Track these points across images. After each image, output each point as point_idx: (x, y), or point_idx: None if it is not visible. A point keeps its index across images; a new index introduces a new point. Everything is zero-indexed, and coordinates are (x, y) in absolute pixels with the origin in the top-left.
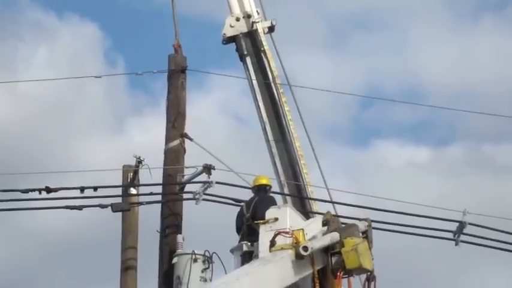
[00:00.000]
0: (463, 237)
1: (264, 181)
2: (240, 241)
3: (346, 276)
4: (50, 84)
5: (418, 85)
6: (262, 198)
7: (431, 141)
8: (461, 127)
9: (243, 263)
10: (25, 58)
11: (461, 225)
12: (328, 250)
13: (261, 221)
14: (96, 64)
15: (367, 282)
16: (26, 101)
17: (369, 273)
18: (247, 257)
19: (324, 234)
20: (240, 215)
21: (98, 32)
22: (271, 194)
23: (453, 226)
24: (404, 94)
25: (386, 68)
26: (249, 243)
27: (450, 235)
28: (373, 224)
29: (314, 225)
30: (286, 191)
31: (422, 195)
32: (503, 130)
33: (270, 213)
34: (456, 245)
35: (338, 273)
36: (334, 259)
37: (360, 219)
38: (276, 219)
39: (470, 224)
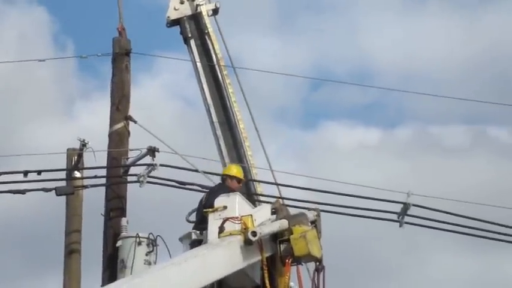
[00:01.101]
0: (407, 219)
1: (225, 171)
2: (193, 229)
3: (295, 264)
4: None
5: (368, 67)
6: (216, 187)
7: (380, 123)
8: (410, 109)
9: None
10: None
11: (405, 206)
12: (277, 238)
13: (210, 209)
14: (45, 48)
15: (316, 273)
16: None
17: (317, 263)
18: (196, 245)
19: (273, 221)
20: (199, 204)
21: (46, 16)
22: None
23: (398, 208)
24: (354, 76)
25: (336, 49)
26: (198, 232)
27: (395, 217)
28: (320, 207)
29: (263, 213)
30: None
31: (372, 176)
32: (450, 112)
33: (218, 201)
34: (400, 226)
35: (287, 261)
36: (282, 246)
37: (309, 209)
38: (225, 207)
39: (414, 205)
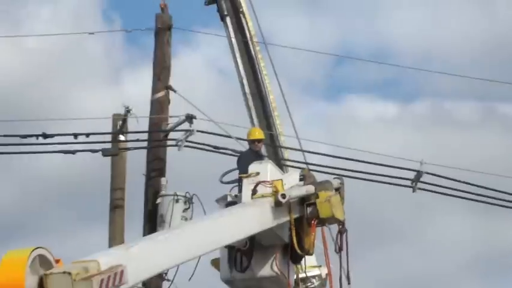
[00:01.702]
0: (420, 185)
1: (249, 136)
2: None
3: (320, 225)
4: (52, 39)
5: (388, 46)
6: (243, 153)
7: (398, 98)
8: (426, 86)
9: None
10: (31, 15)
11: (419, 174)
12: (304, 201)
13: (244, 175)
14: (95, 22)
15: (339, 235)
16: (30, 54)
17: (340, 226)
18: (231, 206)
19: (301, 186)
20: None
21: None
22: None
23: (412, 175)
24: (375, 54)
25: (359, 29)
26: (233, 194)
27: (409, 183)
28: (341, 172)
29: (292, 178)
30: None
31: (389, 146)
32: (463, 90)
33: (252, 168)
34: (414, 191)
35: (313, 222)
36: (309, 209)
37: (334, 177)
38: (258, 173)
39: (426, 173)
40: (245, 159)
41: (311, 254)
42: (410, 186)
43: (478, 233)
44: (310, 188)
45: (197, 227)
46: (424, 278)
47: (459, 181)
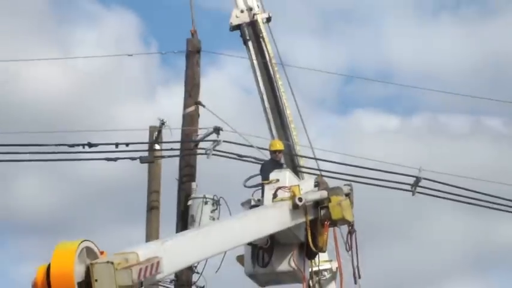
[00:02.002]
0: (418, 189)
1: (271, 147)
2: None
3: (332, 226)
4: (97, 61)
5: (390, 67)
6: (265, 162)
7: (399, 112)
8: (423, 101)
9: None
10: (79, 40)
11: (417, 179)
12: (318, 205)
13: (266, 181)
14: (135, 45)
15: (349, 235)
16: (78, 74)
17: (350, 226)
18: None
19: (316, 192)
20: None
21: (135, 19)
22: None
23: (412, 180)
24: (379, 74)
25: (365, 52)
26: (256, 199)
27: (409, 187)
28: (349, 178)
29: (308, 184)
30: None
31: (391, 155)
32: (455, 105)
33: (272, 175)
34: (413, 195)
35: (326, 223)
36: (322, 212)
37: (344, 184)
38: (278, 180)
39: (424, 178)
40: (267, 168)
41: (324, 251)
42: (410, 191)
43: (470, 231)
44: (324, 193)
45: (224, 225)
46: (421, 271)
47: (453, 186)
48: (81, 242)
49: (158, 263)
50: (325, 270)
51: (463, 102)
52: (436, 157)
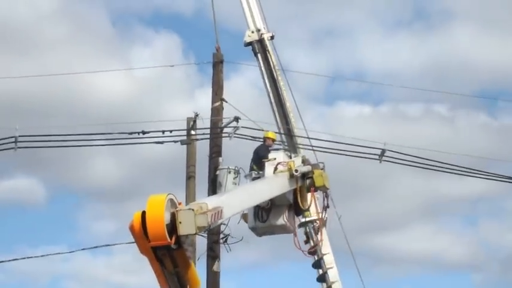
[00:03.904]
0: (384, 158)
1: (266, 135)
2: (250, 170)
3: (315, 191)
4: (150, 70)
5: (363, 69)
6: (259, 146)
7: (370, 102)
8: (388, 94)
9: None
10: (137, 54)
11: (383, 151)
12: (304, 176)
13: (266, 160)
14: (178, 57)
15: (325, 196)
16: (136, 80)
17: (327, 190)
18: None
19: (304, 166)
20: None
21: (178, 38)
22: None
23: (379, 151)
24: (355, 74)
25: (344, 59)
26: (256, 172)
27: (377, 157)
28: (334, 151)
29: (297, 161)
30: (281, 131)
31: (366, 133)
32: (412, 96)
33: (271, 155)
34: (380, 162)
35: (312, 188)
36: (308, 181)
37: (318, 162)
38: (275, 158)
39: (388, 150)
40: (262, 150)
41: (307, 210)
42: (378, 159)
43: (423, 188)
44: (309, 167)
45: (244, 188)
46: (388, 219)
47: (410, 155)
48: (167, 195)
49: (221, 211)
50: (317, 219)
51: (417, 94)
52: (399, 135)
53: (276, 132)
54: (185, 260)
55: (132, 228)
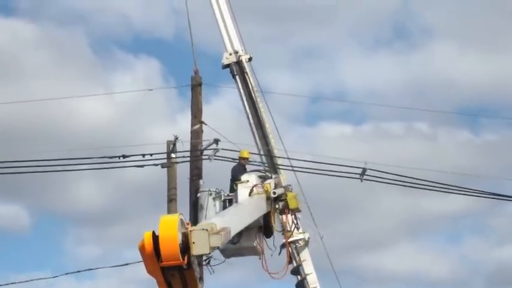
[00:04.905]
0: (366, 177)
1: (240, 155)
2: (230, 191)
3: (289, 213)
4: (130, 95)
5: (343, 89)
6: (234, 166)
7: (352, 121)
8: (369, 113)
9: (224, 205)
10: (119, 79)
11: (364, 170)
12: (277, 198)
13: (239, 181)
14: (157, 82)
15: (295, 219)
16: (117, 105)
17: (299, 212)
18: (227, 201)
19: (277, 189)
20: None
21: (157, 63)
22: (242, 163)
23: (360, 170)
24: (335, 94)
25: (324, 79)
26: (225, 193)
27: (358, 176)
28: (315, 170)
29: (272, 183)
30: (261, 152)
31: (346, 153)
32: (392, 114)
33: (244, 177)
34: (361, 181)
35: (286, 210)
36: (281, 203)
37: (287, 185)
38: (248, 180)
39: (369, 169)
40: (237, 170)
41: (274, 231)
42: (359, 178)
43: (403, 206)
44: (283, 190)
45: (240, 209)
46: (370, 236)
47: (391, 173)
48: (179, 215)
49: (230, 231)
50: (300, 239)
51: (397, 112)
52: (380, 154)
53: (255, 154)
54: (194, 281)
55: (142, 248)
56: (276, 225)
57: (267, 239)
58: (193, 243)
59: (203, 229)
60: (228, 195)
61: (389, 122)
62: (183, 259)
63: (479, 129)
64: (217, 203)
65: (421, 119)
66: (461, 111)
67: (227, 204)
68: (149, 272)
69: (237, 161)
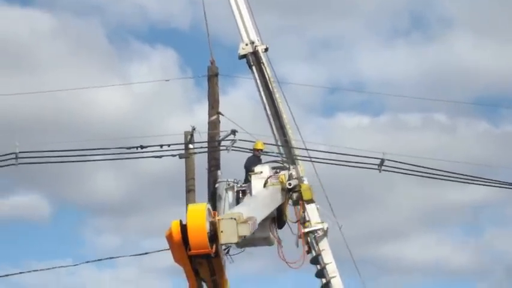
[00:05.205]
0: (384, 168)
1: (254, 146)
2: (244, 182)
3: (304, 204)
4: (147, 85)
5: (361, 79)
6: (248, 158)
7: (369, 112)
8: (386, 104)
9: (237, 196)
10: (135, 70)
11: (382, 160)
12: (290, 190)
13: (252, 173)
14: (175, 72)
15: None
16: (135, 96)
17: (313, 203)
18: (240, 192)
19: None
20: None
21: (174, 53)
22: (257, 154)
23: (378, 161)
24: (353, 85)
25: (341, 70)
26: (238, 184)
27: (377, 167)
28: (333, 161)
29: (287, 174)
30: (279, 143)
31: (364, 144)
32: (410, 105)
33: (257, 168)
34: (380, 172)
35: (300, 201)
36: (294, 194)
37: (295, 178)
38: (261, 172)
39: (387, 159)
40: (251, 161)
41: (285, 223)
42: (377, 169)
43: (423, 197)
44: (297, 181)
45: (261, 199)
46: (390, 228)
47: (409, 164)
48: (206, 204)
49: (256, 220)
50: (319, 229)
51: (415, 103)
52: (398, 145)
53: (272, 144)
54: (221, 269)
55: (170, 237)
56: (289, 216)
57: (279, 230)
58: (222, 232)
59: (231, 218)
60: (241, 186)
61: (407, 113)
62: (211, 248)
63: (498, 120)
64: (230, 193)
65: (439, 110)
66: (479, 102)
67: (240, 194)
68: (176, 260)
69: (256, 152)
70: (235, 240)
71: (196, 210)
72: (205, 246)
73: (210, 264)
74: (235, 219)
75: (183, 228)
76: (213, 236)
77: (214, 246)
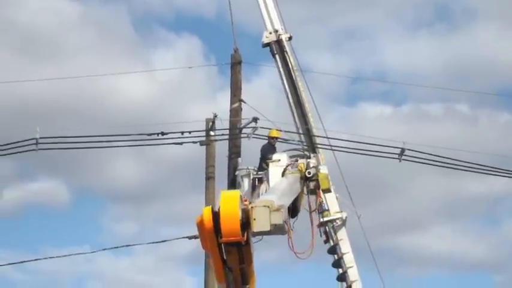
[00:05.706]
0: (404, 157)
1: (269, 134)
2: (258, 169)
3: (322, 193)
4: (171, 72)
5: (384, 69)
6: (264, 145)
7: (392, 102)
8: (409, 94)
9: (253, 183)
10: (160, 57)
11: (402, 150)
12: (308, 179)
13: (270, 161)
14: (200, 60)
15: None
16: (158, 83)
17: (330, 193)
18: (256, 179)
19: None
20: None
21: (199, 42)
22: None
23: (399, 151)
24: (376, 75)
25: (365, 59)
26: (254, 172)
27: (397, 156)
28: (354, 150)
29: (305, 163)
30: (300, 131)
31: (386, 133)
32: (432, 95)
33: (275, 156)
34: (400, 161)
35: (317, 190)
36: (312, 183)
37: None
38: (279, 160)
39: (408, 149)
40: (266, 149)
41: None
42: (397, 158)
43: (444, 187)
44: (315, 170)
45: (285, 187)
46: (409, 218)
47: (430, 153)
48: (239, 191)
49: (286, 208)
50: (337, 219)
51: (437, 93)
52: (419, 135)
53: (293, 132)
54: (250, 257)
55: (201, 224)
56: (304, 205)
57: (292, 219)
58: (254, 219)
59: (265, 206)
60: (257, 173)
61: (429, 103)
62: (242, 236)
63: None
64: (246, 181)
65: (462, 101)
66: (502, 93)
67: (256, 182)
68: (205, 247)
69: (278, 140)
70: (267, 228)
71: (229, 197)
72: (237, 234)
73: (239, 252)
74: (268, 206)
75: (215, 215)
76: (245, 223)
77: (245, 234)
